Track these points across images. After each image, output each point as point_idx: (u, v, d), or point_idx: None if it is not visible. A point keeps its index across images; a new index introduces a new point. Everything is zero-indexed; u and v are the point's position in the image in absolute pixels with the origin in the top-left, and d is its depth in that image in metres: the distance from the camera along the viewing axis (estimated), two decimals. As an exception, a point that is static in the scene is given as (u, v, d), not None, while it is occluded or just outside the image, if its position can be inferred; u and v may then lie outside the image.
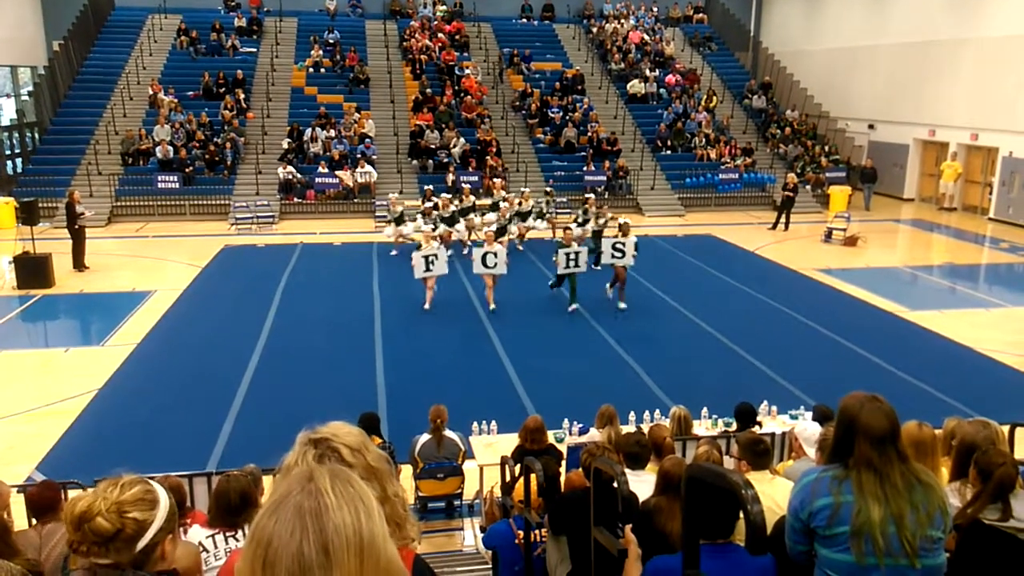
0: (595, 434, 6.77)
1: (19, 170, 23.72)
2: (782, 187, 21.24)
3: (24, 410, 9.34)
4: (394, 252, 17.25)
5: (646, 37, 29.04)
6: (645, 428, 6.38)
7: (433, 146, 23.39)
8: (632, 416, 7.79)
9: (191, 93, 24.41)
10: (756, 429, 6.79)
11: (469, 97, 25.22)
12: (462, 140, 23.43)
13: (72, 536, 1.83)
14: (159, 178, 21.11)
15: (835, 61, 27.75)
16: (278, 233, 19.84)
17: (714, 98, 26.77)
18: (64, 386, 10.01)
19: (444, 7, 29.64)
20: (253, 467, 4.73)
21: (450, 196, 18.16)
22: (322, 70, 26.20)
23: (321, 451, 1.67)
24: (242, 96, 24.27)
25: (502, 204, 17.72)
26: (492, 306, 13.00)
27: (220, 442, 8.52)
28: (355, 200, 21.57)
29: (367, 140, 23.15)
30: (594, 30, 29.64)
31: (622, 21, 29.77)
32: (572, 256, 13.06)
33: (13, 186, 21.47)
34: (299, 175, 21.82)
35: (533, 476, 4.91)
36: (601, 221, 16.16)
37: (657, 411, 8.05)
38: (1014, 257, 18.02)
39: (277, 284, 14.78)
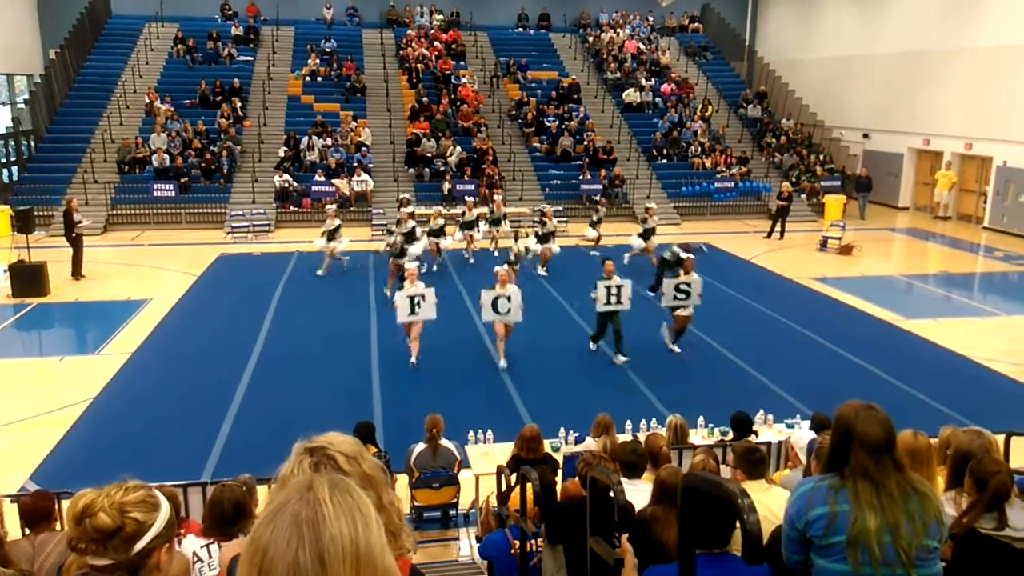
0: (591, 443, 6.76)
1: (15, 178, 23.69)
2: (776, 196, 21.30)
3: (18, 419, 9.30)
4: (320, 272, 15.85)
5: (642, 46, 29.16)
6: (641, 437, 6.37)
7: (429, 154, 23.43)
8: (628, 425, 7.79)
9: (187, 101, 24.43)
10: (752, 438, 6.79)
11: (465, 106, 25.27)
12: (459, 148, 23.47)
13: (72, 532, 1.85)
14: (155, 186, 21.10)
15: (830, 70, 27.89)
16: (274, 241, 19.83)
17: (709, 107, 26.88)
18: (59, 395, 9.98)
19: (441, 16, 29.74)
20: (247, 477, 4.72)
21: (441, 208, 17.76)
22: (319, 79, 26.24)
23: (317, 459, 1.67)
24: (239, 104, 24.30)
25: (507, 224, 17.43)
26: (503, 362, 10.92)
27: (215, 452, 8.49)
28: (351, 208, 21.57)
29: (363, 148, 23.18)
30: (590, 39, 29.76)
31: (618, 30, 29.90)
32: (614, 291, 11.04)
33: (9, 194, 21.43)
34: (295, 183, 21.83)
35: (529, 485, 4.90)
36: (650, 224, 16.19)
37: (653, 420, 8.05)
38: (1009, 266, 18.08)
39: (273, 293, 14.76)
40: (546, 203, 19.36)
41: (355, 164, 22.41)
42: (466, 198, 19.06)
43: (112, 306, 13.99)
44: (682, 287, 11.36)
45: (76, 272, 15.59)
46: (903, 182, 25.16)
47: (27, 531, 4.10)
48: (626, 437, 6.79)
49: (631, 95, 27.00)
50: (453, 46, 28.18)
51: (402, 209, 16.12)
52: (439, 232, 16.42)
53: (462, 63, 27.67)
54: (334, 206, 17.30)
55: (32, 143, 24.22)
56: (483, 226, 17.71)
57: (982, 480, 3.27)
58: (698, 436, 7.63)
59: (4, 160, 24.63)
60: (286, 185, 21.68)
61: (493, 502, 6.65)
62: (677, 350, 11.72)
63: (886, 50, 25.09)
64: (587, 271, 14.53)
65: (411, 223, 15.13)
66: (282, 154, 22.68)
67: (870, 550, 2.42)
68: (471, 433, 7.77)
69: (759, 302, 14.44)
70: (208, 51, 26.54)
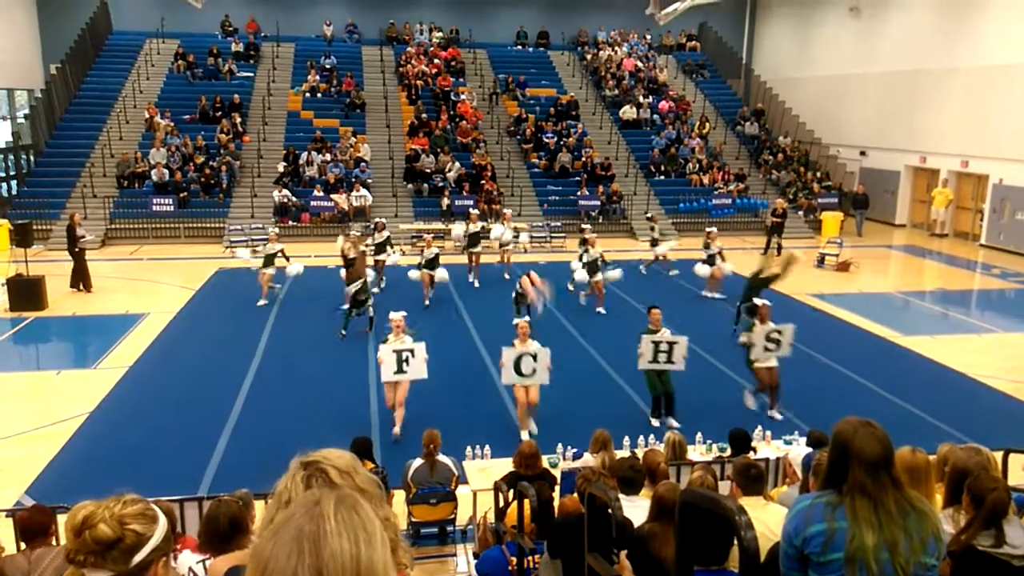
0: (589, 459, 6.74)
1: (14, 192, 23.73)
2: (771, 212, 21.38)
3: (14, 433, 9.26)
4: (262, 302, 14.83)
5: (639, 64, 29.34)
6: (639, 453, 6.36)
7: (428, 170, 23.51)
8: (626, 441, 7.78)
9: (187, 117, 24.51)
10: (751, 455, 6.77)
11: (464, 122, 25.39)
12: (457, 164, 23.56)
13: (71, 544, 1.84)
14: (154, 201, 21.14)
15: (826, 88, 28.06)
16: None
17: (707, 124, 27.02)
18: (55, 409, 9.94)
19: (440, 34, 29.94)
20: (244, 492, 4.70)
21: (434, 236, 16.86)
22: (318, 95, 26.37)
23: (309, 472, 1.68)
24: (238, 120, 24.39)
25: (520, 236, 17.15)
26: (527, 430, 9.05)
27: (212, 466, 8.45)
28: (350, 223, 21.61)
29: (363, 164, 23.26)
30: (588, 57, 29.95)
31: (616, 48, 30.10)
32: (663, 347, 9.38)
33: (8, 208, 21.45)
34: (294, 199, 21.88)
35: (526, 502, 4.89)
36: (713, 250, 15.82)
37: (651, 436, 8.04)
38: (1005, 283, 18.12)
39: (271, 307, 14.75)
40: (587, 224, 18.90)
41: (354, 179, 22.47)
42: (471, 211, 18.59)
43: (110, 320, 13.97)
44: (773, 336, 9.84)
45: (86, 286, 15.65)
46: (900, 199, 25.25)
47: (23, 546, 4.08)
48: (624, 453, 6.77)
49: (629, 112, 27.14)
50: (452, 63, 28.34)
51: (376, 233, 16.32)
52: (433, 263, 15.15)
53: (461, 80, 27.83)
54: (276, 229, 16.61)
55: (32, 157, 24.29)
56: (503, 232, 17.21)
57: (979, 497, 3.27)
58: (696, 452, 7.61)
59: (3, 174, 24.69)
60: (285, 200, 21.73)
61: (491, 518, 6.63)
62: (779, 417, 9.74)
63: (882, 69, 25.28)
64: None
65: (385, 233, 15.76)
66: (281, 169, 22.74)
67: (868, 567, 2.42)
68: (469, 449, 7.75)
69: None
70: (208, 67, 26.68)
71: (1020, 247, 20.71)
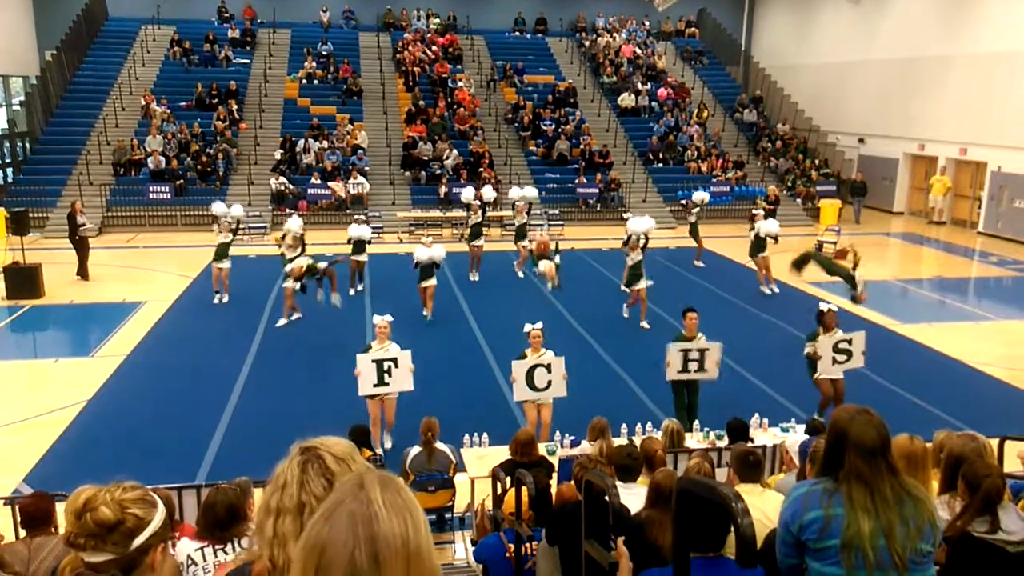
0: (587, 446, 6.76)
1: (9, 180, 23.63)
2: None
3: (12, 421, 9.27)
4: (224, 298, 14.15)
5: (638, 51, 29.22)
6: (637, 441, 6.38)
7: (426, 158, 23.44)
8: (624, 429, 7.80)
9: (184, 104, 24.39)
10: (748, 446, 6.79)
11: (462, 109, 25.30)
12: (455, 152, 23.49)
13: (71, 527, 1.85)
14: (151, 188, 21.07)
15: (825, 76, 27.98)
16: (269, 244, 19.78)
17: (705, 111, 26.95)
18: (53, 397, 9.94)
19: (438, 20, 29.78)
20: (243, 479, 4.71)
21: (431, 239, 14.84)
22: (315, 81, 26.24)
23: (307, 458, 1.69)
24: (235, 107, 24.28)
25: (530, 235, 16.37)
26: (546, 446, 7.40)
27: (210, 454, 8.47)
28: (347, 211, 21.57)
29: (360, 151, 23.18)
30: (586, 44, 29.82)
31: (614, 35, 29.96)
32: (694, 355, 8.53)
33: (4, 196, 21.38)
34: (291, 186, 21.82)
35: (524, 489, 4.91)
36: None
37: (649, 424, 8.05)
38: (1003, 271, 18.14)
39: (268, 295, 14.73)
40: (632, 214, 17.78)
41: (351, 167, 22.40)
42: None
43: (107, 308, 13.95)
44: (842, 346, 8.74)
45: (83, 273, 15.59)
46: (898, 187, 25.24)
47: (23, 533, 4.08)
48: (622, 441, 6.79)
49: (627, 99, 27.05)
50: (450, 50, 28.21)
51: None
52: (428, 271, 13.14)
53: (459, 67, 27.71)
54: (227, 220, 14.42)
55: (27, 145, 24.16)
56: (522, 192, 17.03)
57: (974, 483, 3.29)
58: (694, 440, 7.64)
59: (-1, 162, 24.59)
60: (282, 188, 21.67)
61: (488, 505, 6.65)
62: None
63: (881, 56, 25.19)
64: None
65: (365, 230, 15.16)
66: (278, 157, 22.66)
67: (864, 554, 2.43)
68: (466, 436, 7.77)
69: (754, 306, 14.46)
70: (204, 53, 26.52)
71: (1018, 235, 20.71)
